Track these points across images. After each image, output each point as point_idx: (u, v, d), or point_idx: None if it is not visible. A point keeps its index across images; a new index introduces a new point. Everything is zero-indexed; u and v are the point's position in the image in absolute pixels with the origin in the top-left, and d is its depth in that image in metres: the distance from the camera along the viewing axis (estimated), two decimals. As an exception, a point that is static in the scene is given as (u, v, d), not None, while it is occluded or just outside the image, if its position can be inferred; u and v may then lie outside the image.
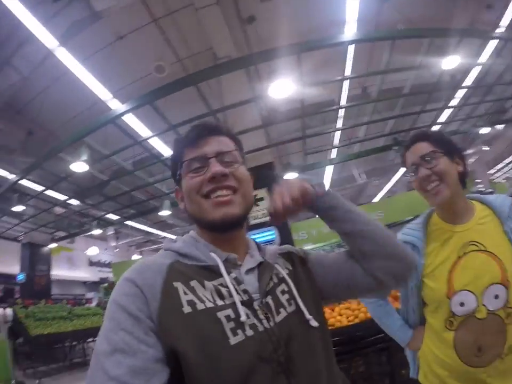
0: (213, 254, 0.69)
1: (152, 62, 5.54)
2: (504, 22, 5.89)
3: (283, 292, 0.71)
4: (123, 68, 6.25)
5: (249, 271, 0.71)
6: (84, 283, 16.13)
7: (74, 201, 8.48)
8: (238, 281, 0.66)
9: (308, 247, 10.20)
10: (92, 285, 15.88)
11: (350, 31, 5.47)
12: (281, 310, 0.67)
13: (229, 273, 0.66)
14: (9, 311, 6.01)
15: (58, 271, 13.06)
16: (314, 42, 4.57)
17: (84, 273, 15.61)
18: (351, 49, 5.17)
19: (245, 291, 0.65)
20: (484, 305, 1.02)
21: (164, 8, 5.39)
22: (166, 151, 7.07)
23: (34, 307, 7.74)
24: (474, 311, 1.03)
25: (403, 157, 1.24)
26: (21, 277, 10.20)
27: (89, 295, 13.94)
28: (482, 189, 10.27)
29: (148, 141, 6.33)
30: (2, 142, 6.86)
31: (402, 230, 1.28)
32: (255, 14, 5.45)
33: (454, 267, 1.08)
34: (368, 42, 5.09)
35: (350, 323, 2.66)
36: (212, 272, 0.66)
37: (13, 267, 11.01)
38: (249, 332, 0.60)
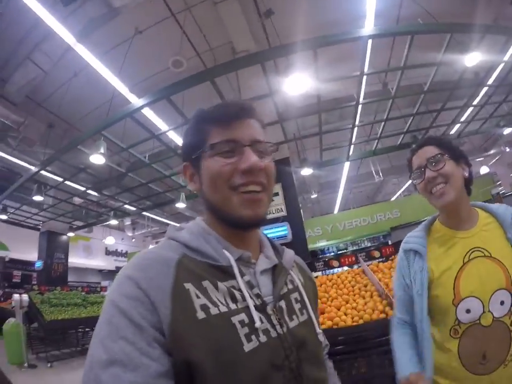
0: (226, 252, 0.63)
1: (170, 56, 5.56)
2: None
3: (296, 300, 0.69)
4: (141, 62, 6.31)
5: (263, 272, 0.67)
6: (100, 271, 16.54)
7: (92, 192, 8.66)
8: (250, 285, 0.62)
9: (322, 243, 10.22)
10: (108, 274, 16.29)
11: (369, 25, 5.36)
12: (294, 317, 0.66)
13: (242, 275, 0.62)
14: (25, 296, 6.19)
15: (75, 259, 13.45)
16: (333, 36, 4.46)
17: (100, 262, 16.00)
18: (370, 44, 5.07)
19: (258, 295, 0.62)
20: (490, 311, 1.02)
21: (183, 2, 5.39)
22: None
23: (49, 293, 7.97)
24: (480, 318, 1.03)
25: (409, 161, 1.25)
26: (38, 264, 10.53)
27: (104, 283, 14.29)
28: (502, 191, 10.00)
29: (165, 134, 6.38)
30: (24, 134, 7.03)
31: (404, 239, 1.28)
32: (273, 7, 5.39)
33: (460, 273, 1.08)
34: (387, 37, 4.95)
35: (354, 323, 2.65)
36: (224, 272, 0.61)
37: (31, 254, 11.39)
38: (263, 338, 0.57)
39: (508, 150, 11.51)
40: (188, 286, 0.56)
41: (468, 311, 1.04)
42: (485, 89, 6.99)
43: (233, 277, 0.61)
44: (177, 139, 7.08)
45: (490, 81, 6.70)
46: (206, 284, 0.58)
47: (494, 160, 12.83)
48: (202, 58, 6.17)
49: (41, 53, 5.51)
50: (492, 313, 1.02)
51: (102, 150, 5.66)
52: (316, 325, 0.69)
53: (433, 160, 1.14)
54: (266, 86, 5.06)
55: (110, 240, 13.70)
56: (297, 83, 4.88)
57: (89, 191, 8.48)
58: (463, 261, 1.09)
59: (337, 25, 5.67)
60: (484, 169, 11.73)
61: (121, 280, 0.55)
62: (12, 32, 5.25)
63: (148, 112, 6.13)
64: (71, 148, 6.00)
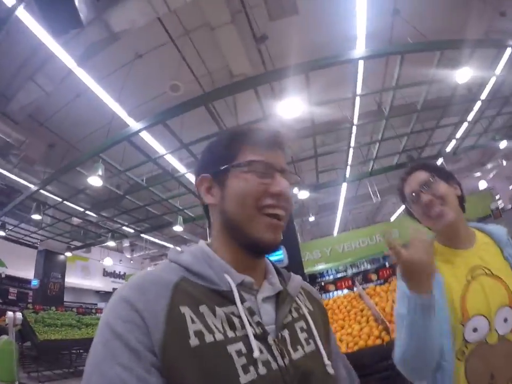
0: (227, 276, 0.60)
1: (169, 80, 5.67)
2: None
3: (302, 329, 0.65)
4: (141, 86, 6.42)
5: (266, 299, 0.64)
6: (97, 292, 16.31)
7: (91, 213, 8.66)
8: (251, 312, 0.59)
9: (320, 266, 10.03)
10: (105, 295, 16.01)
11: (360, 46, 5.44)
12: (299, 347, 0.61)
13: (242, 301, 0.59)
14: (19, 314, 6.12)
15: (72, 279, 13.28)
16: (324, 60, 4.56)
17: (98, 283, 15.78)
18: (362, 65, 5.13)
19: (259, 323, 0.58)
20: (495, 329, 1.01)
21: (181, 27, 5.55)
22: (180, 168, 7.20)
23: (44, 313, 7.91)
24: (486, 336, 1.01)
25: (401, 189, 1.25)
26: (35, 283, 10.45)
27: (101, 305, 14.05)
28: (502, 206, 9.95)
29: (163, 157, 6.43)
30: (25, 153, 7.08)
31: None
32: (267, 32, 5.52)
33: (465, 292, 1.07)
34: (378, 58, 5.05)
35: (349, 350, 2.61)
36: (223, 297, 0.58)
37: (28, 272, 11.23)
38: (262, 370, 0.53)
39: (505, 163, 11.52)
40: (184, 309, 0.53)
41: (475, 329, 1.02)
42: (479, 104, 7.02)
43: (233, 302, 0.58)
44: (174, 163, 7.13)
45: (483, 96, 6.73)
46: (203, 308, 0.55)
47: (492, 174, 12.81)
48: (200, 82, 6.29)
49: (43, 75, 5.60)
50: (497, 331, 1.01)
51: (100, 172, 5.72)
52: (325, 356, 0.64)
53: (426, 184, 1.15)
54: (263, 110, 5.14)
55: (108, 261, 13.59)
56: (291, 107, 4.95)
57: (88, 212, 8.48)
58: (467, 279, 1.08)
59: (330, 47, 5.73)
60: (483, 184, 11.67)
61: (117, 301, 0.53)
62: (16, 53, 5.35)
63: (146, 136, 6.19)
64: (70, 169, 6.05)
